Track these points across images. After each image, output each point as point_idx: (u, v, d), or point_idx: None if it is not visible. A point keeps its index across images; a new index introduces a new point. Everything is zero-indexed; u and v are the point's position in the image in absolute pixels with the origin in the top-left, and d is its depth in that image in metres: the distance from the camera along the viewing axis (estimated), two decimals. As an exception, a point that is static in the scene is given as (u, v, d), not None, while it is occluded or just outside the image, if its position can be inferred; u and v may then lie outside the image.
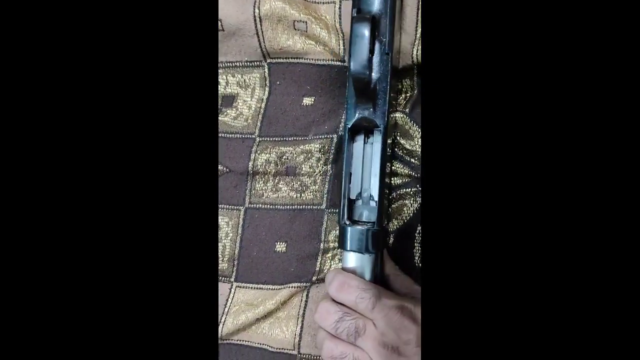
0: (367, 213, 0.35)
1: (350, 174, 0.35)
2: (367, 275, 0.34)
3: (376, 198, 0.34)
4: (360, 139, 0.36)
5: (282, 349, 0.39)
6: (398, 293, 0.33)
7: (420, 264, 0.37)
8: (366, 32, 0.30)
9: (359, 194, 0.36)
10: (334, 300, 0.33)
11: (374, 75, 0.33)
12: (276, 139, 0.40)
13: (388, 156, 0.37)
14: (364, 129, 0.35)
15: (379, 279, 0.35)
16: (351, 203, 0.35)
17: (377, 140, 0.34)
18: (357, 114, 0.34)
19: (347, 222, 0.34)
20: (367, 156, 0.35)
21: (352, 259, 0.34)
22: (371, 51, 0.32)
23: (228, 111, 0.42)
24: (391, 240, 0.38)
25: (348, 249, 0.34)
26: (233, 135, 0.41)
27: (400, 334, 0.30)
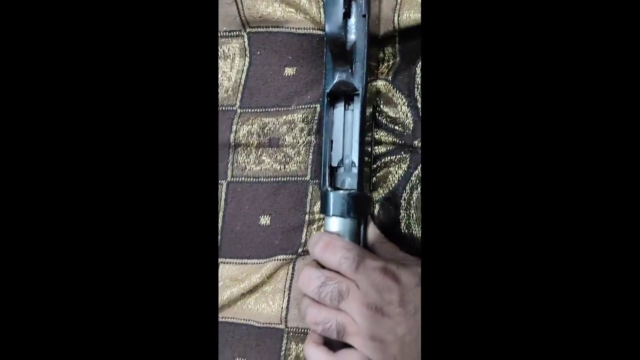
0: (349, 180, 0.35)
1: (332, 141, 0.35)
2: (358, 242, 0.34)
3: (357, 163, 0.34)
4: (340, 105, 0.35)
5: (269, 323, 0.38)
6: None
7: (406, 231, 0.37)
8: None
9: (341, 161, 0.35)
10: (316, 267, 0.33)
11: (351, 37, 0.33)
12: (258, 110, 0.40)
13: (370, 124, 0.36)
14: (343, 94, 0.35)
15: (363, 246, 0.35)
16: (333, 170, 0.35)
17: (356, 106, 0.34)
18: (335, 78, 0.34)
19: (329, 189, 0.34)
20: (347, 123, 0.35)
21: (335, 224, 0.34)
22: (347, 13, 0.31)
23: None
24: (377, 209, 0.38)
25: (330, 214, 0.33)
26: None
27: (384, 294, 0.30)
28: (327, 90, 0.34)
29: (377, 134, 0.38)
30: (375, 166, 0.38)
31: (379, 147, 0.38)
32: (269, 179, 0.40)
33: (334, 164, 0.35)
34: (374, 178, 0.38)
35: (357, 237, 0.34)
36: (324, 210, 0.34)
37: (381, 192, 0.38)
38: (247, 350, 0.39)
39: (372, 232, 0.35)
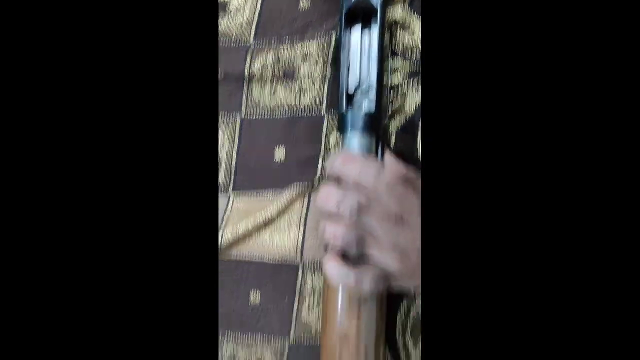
0: (367, 104, 0.35)
1: (349, 65, 0.35)
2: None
3: (374, 86, 0.34)
4: (357, 29, 0.35)
5: (284, 260, 0.38)
6: None
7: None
8: None
9: (357, 87, 0.35)
10: (335, 185, 0.32)
11: None
12: (272, 41, 0.39)
13: (386, 51, 0.36)
14: (361, 15, 0.34)
15: None
16: (350, 96, 0.35)
17: (374, 27, 0.34)
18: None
19: (346, 109, 0.34)
20: (364, 47, 0.35)
21: (354, 141, 0.34)
22: None
23: (220, 20, 0.41)
24: (393, 139, 0.38)
25: (348, 131, 0.34)
26: (227, 44, 0.40)
27: (404, 203, 0.30)
28: (344, 10, 0.33)
29: (393, 63, 0.38)
30: (391, 97, 0.38)
31: (395, 74, 0.38)
32: (284, 114, 0.39)
33: (351, 90, 0.35)
34: (390, 108, 0.38)
35: (376, 155, 0.34)
36: (342, 129, 0.34)
37: (397, 121, 0.38)
38: (261, 283, 0.38)
39: (387, 156, 0.35)
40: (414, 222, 0.30)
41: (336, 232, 0.31)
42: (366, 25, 0.35)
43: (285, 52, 0.39)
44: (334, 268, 0.31)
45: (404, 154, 0.37)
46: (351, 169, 0.31)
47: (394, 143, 0.37)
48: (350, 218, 0.31)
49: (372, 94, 0.34)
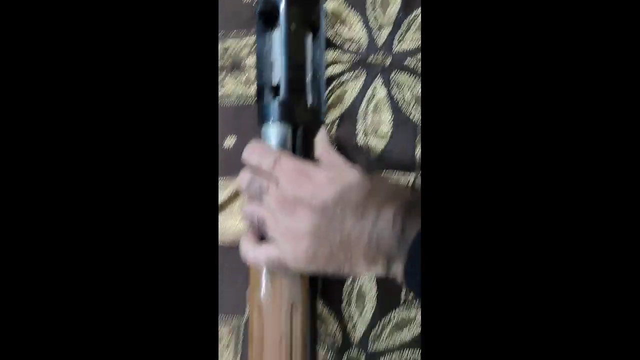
0: (281, 95, 0.37)
1: (272, 63, 0.37)
2: (283, 147, 0.36)
3: (284, 73, 0.36)
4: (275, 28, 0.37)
5: (236, 243, 0.40)
6: None
7: (363, 141, 0.39)
8: None
9: (274, 80, 0.37)
10: (249, 170, 0.35)
11: None
12: (220, 34, 0.41)
13: (317, 44, 0.39)
14: (273, 15, 0.36)
15: (304, 156, 0.37)
16: (276, 89, 0.37)
17: (282, 25, 0.36)
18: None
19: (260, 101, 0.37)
20: (276, 44, 0.37)
21: (268, 132, 0.36)
22: None
23: None
24: (335, 127, 0.40)
25: (262, 122, 0.37)
26: None
27: (297, 191, 0.32)
28: (257, 11, 0.37)
29: (332, 55, 0.40)
30: (331, 87, 0.40)
31: (335, 66, 0.40)
32: (232, 103, 0.41)
33: (274, 83, 0.37)
34: (330, 98, 0.40)
35: (293, 145, 0.37)
36: (259, 120, 0.37)
37: (338, 109, 0.40)
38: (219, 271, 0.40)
39: (321, 142, 0.37)
40: (304, 209, 0.32)
41: (246, 212, 0.35)
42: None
43: (232, 44, 0.41)
44: (242, 244, 0.35)
45: (342, 140, 0.40)
46: (253, 158, 0.35)
47: (336, 131, 0.40)
48: (256, 199, 0.34)
49: (283, 85, 0.36)
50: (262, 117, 0.37)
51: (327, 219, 0.31)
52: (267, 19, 0.37)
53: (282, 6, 0.35)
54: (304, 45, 0.38)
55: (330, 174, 0.33)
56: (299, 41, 0.37)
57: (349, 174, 0.33)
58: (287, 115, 0.36)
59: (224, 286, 0.41)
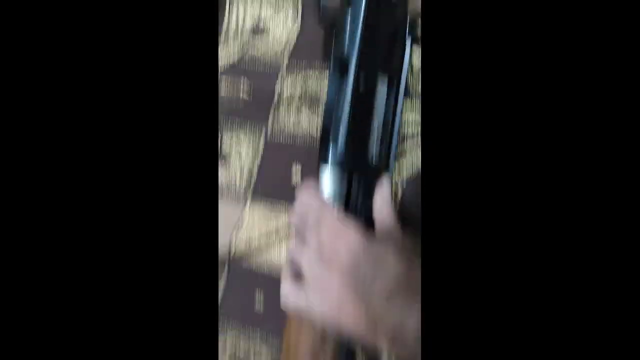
0: (340, 141, 0.36)
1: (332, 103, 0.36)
2: (336, 195, 0.36)
3: (345, 123, 0.35)
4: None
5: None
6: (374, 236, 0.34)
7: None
8: None
9: (335, 123, 0.36)
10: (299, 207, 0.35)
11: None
12: (302, 66, 0.41)
13: (365, 92, 0.36)
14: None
15: (357, 209, 0.36)
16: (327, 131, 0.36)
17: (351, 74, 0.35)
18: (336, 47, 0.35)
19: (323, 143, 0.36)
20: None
21: (324, 175, 0.36)
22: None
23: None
24: (400, 189, 0.38)
25: (321, 162, 0.36)
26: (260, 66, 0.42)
27: (333, 254, 0.32)
28: (330, 57, 0.36)
29: (410, 115, 0.37)
30: (409, 143, 0.38)
31: (411, 126, 0.37)
32: (305, 136, 0.41)
33: (337, 126, 0.36)
34: (405, 156, 0.37)
35: (346, 195, 0.36)
36: (319, 159, 0.36)
37: (405, 170, 0.38)
38: (268, 293, 0.42)
39: (380, 198, 0.35)
40: (333, 273, 0.32)
41: (289, 251, 0.35)
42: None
43: (313, 78, 0.40)
44: (281, 286, 0.35)
45: (407, 204, 0.37)
46: (299, 208, 0.34)
47: (403, 193, 0.38)
48: (296, 245, 0.34)
49: (343, 132, 0.35)
50: (321, 158, 0.36)
51: (355, 287, 0.31)
52: (341, 64, 0.36)
53: (354, 54, 0.34)
54: (374, 93, 0.36)
55: (371, 248, 0.32)
56: (369, 89, 0.36)
57: (388, 250, 0.32)
58: (345, 163, 0.35)
59: (269, 312, 0.43)
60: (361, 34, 0.34)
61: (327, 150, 0.36)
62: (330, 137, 0.36)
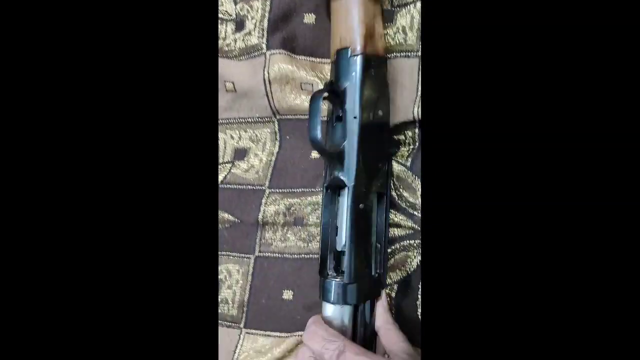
0: (344, 273, 0.35)
1: (337, 227, 0.36)
2: (346, 326, 0.35)
3: (347, 254, 0.34)
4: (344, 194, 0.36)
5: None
6: (386, 348, 0.34)
7: (420, 317, 0.37)
8: (319, 106, 0.32)
9: (344, 246, 0.35)
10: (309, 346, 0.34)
11: (338, 140, 0.34)
12: (285, 191, 0.42)
13: (384, 207, 0.37)
14: (339, 187, 0.36)
15: (365, 330, 0.35)
16: (339, 255, 0.35)
17: (348, 199, 0.34)
18: (331, 174, 0.35)
19: (329, 274, 0.35)
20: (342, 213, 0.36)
21: (330, 309, 0.35)
22: (338, 117, 0.34)
23: (240, 164, 0.44)
24: (395, 290, 0.39)
25: (324, 299, 0.35)
26: (245, 186, 0.44)
27: None
28: (325, 185, 0.36)
29: (396, 217, 0.39)
30: (393, 247, 0.39)
31: (398, 229, 0.39)
32: (293, 256, 0.42)
33: (339, 248, 0.36)
34: (392, 260, 0.39)
35: (355, 322, 0.35)
36: (320, 295, 0.35)
37: (399, 274, 0.39)
38: None
39: (381, 315, 0.36)
40: None
41: None
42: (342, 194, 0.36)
43: (296, 202, 0.42)
44: None
45: (403, 309, 0.38)
46: (315, 346, 0.33)
47: (395, 294, 0.38)
48: None
49: (346, 262, 0.34)
50: (324, 294, 0.35)
51: None
52: (334, 192, 0.36)
53: (351, 184, 0.34)
54: (371, 218, 0.37)
55: None
56: (367, 215, 0.36)
57: None
58: (351, 297, 0.34)
59: None
60: (357, 159, 0.34)
61: (329, 286, 0.34)
62: (331, 268, 0.35)
